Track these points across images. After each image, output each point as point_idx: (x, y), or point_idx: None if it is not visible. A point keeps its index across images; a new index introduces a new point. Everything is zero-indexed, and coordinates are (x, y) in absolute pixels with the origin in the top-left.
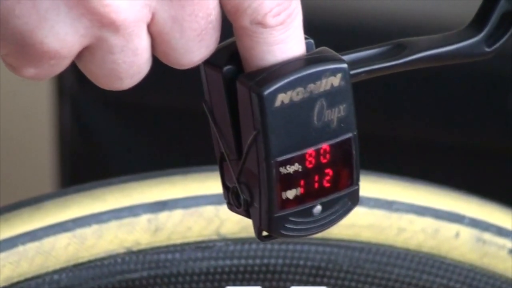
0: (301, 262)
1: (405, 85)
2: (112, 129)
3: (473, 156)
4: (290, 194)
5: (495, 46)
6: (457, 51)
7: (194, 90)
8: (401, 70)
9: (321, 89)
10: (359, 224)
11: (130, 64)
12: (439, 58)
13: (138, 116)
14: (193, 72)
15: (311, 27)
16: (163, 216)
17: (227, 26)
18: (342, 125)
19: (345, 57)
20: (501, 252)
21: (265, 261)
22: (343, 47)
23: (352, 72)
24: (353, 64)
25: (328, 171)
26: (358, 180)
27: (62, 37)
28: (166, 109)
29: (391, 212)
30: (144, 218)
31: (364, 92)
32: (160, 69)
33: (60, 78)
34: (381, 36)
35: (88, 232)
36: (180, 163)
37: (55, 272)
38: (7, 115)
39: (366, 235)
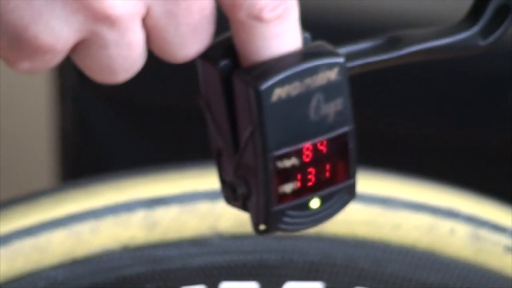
0: (297, 258)
1: (403, 82)
2: (113, 127)
3: (471, 155)
4: (287, 188)
5: (490, 39)
6: (452, 44)
7: (193, 89)
8: (395, 64)
9: (318, 84)
10: (354, 220)
11: (125, 58)
12: (434, 51)
13: (138, 114)
14: (193, 70)
15: (306, 21)
16: (159, 212)
17: (223, 20)
18: (338, 119)
19: (340, 50)
20: (497, 249)
21: (261, 256)
22: (338, 41)
23: (347, 65)
24: (348, 57)
25: (325, 165)
26: (355, 173)
27: (57, 32)
28: (166, 107)
29: (387, 208)
30: (140, 214)
31: (360, 88)
32: (160, 67)
33: (61, 76)
34: (375, 30)
35: (84, 228)
36: (181, 161)
37: (51, 268)
38: (7, 113)
39: (362, 231)
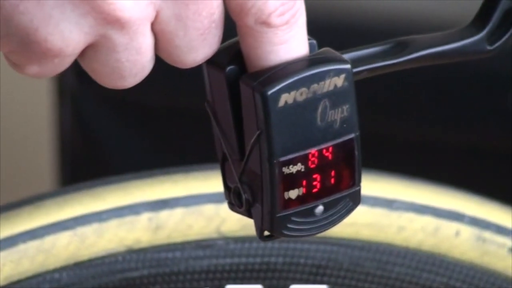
0: (302, 261)
1: (405, 85)
2: (113, 127)
3: (473, 156)
4: (293, 194)
5: (497, 44)
6: (458, 49)
7: (195, 90)
8: (403, 68)
9: (325, 90)
10: (359, 223)
11: (134, 62)
12: (441, 56)
13: (138, 115)
14: (194, 72)
15: (313, 26)
16: (164, 214)
17: (230, 25)
18: (345, 125)
19: (347, 55)
20: (501, 251)
21: (266, 259)
22: (345, 46)
23: (354, 70)
24: (355, 62)
25: (331, 171)
26: (360, 180)
27: (67, 35)
28: (166, 108)
29: (391, 210)
30: (145, 216)
31: (365, 91)
32: (161, 68)
33: (61, 77)
34: (383, 35)
35: (89, 230)
36: (181, 162)
37: (55, 270)
38: (7, 114)
39: (366, 233)
